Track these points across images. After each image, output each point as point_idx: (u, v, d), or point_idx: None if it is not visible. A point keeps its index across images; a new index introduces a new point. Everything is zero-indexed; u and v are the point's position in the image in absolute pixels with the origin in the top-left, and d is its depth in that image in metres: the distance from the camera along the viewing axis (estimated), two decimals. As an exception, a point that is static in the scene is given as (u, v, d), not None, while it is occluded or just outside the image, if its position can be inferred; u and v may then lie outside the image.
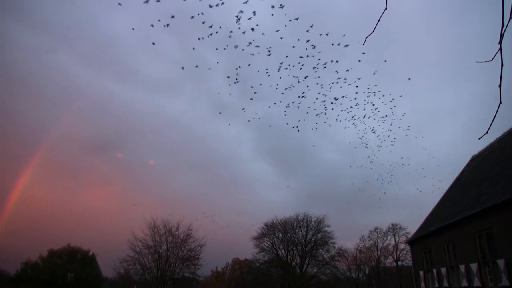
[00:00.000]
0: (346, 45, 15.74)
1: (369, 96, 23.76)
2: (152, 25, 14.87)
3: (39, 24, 69.84)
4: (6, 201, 48.42)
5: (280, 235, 45.45)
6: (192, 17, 14.47)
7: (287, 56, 18.55)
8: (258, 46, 17.33)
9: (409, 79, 18.56)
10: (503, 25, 2.40)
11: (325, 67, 18.59)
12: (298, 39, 17.39)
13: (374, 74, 21.68)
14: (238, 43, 17.17)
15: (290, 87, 21.32)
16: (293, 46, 18.13)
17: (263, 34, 17.08)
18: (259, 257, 45.86)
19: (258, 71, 20.09)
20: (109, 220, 74.58)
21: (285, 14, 15.25)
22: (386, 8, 3.06)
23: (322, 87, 21.21)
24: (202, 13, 14.65)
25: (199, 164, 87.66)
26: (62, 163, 76.83)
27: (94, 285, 43.15)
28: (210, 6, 14.42)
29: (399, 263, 46.03)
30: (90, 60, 75.25)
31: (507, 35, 2.48)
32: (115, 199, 76.76)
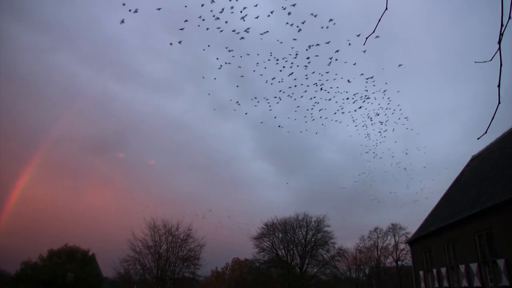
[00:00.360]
0: (349, 44, 15.69)
1: (368, 98, 23.76)
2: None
3: (39, 24, 69.89)
4: (6, 201, 48.47)
5: (280, 235, 45.48)
6: (203, 19, 14.43)
7: (293, 55, 18.50)
8: (261, 42, 17.33)
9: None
10: (502, 25, 2.40)
11: (328, 72, 18.61)
12: (295, 39, 17.41)
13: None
14: (238, 43, 17.19)
15: (290, 87, 21.33)
16: (292, 47, 18.15)
17: (263, 34, 17.10)
18: (259, 257, 45.90)
19: (256, 71, 20.11)
20: (109, 220, 74.64)
21: (289, 13, 15.25)
22: (386, 8, 3.05)
23: (322, 88, 21.22)
24: (203, 14, 14.66)
25: (199, 164, 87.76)
26: (62, 163, 76.92)
27: (94, 285, 43.15)
28: (208, 9, 14.43)
29: (399, 263, 46.05)
30: (90, 60, 75.34)
31: (506, 35, 2.48)
32: (115, 199, 76.81)
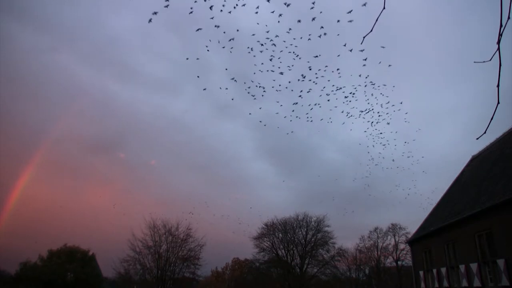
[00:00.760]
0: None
1: (368, 99, 23.76)
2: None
3: (39, 24, 69.92)
4: (6, 201, 48.47)
5: (280, 235, 45.50)
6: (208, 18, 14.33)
7: (294, 55, 18.48)
8: (262, 44, 17.34)
9: (389, 65, 18.33)
10: (501, 25, 2.40)
11: (325, 71, 18.61)
12: (294, 39, 17.40)
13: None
14: (239, 43, 17.19)
15: (291, 87, 21.33)
16: (288, 47, 18.13)
17: (266, 34, 17.09)
18: (259, 257, 45.92)
19: (256, 71, 20.11)
20: (109, 220, 74.62)
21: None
22: (384, 8, 3.06)
23: (322, 89, 21.22)
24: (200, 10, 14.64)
25: (199, 164, 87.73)
26: (62, 163, 76.93)
27: (94, 285, 43.15)
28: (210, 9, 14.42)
29: (399, 263, 46.05)
30: (90, 60, 75.41)
31: (505, 35, 2.48)
32: (115, 199, 76.83)
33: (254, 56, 17.59)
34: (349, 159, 72.83)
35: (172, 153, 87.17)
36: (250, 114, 59.41)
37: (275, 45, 17.35)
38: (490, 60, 2.56)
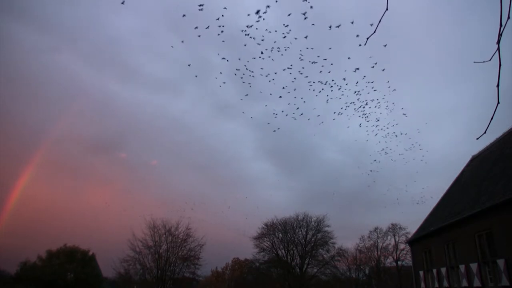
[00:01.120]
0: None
1: (366, 101, 23.76)
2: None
3: (40, 24, 69.93)
4: (6, 201, 48.47)
5: (280, 235, 45.50)
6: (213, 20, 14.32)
7: (295, 55, 18.48)
8: (261, 44, 17.35)
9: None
10: (501, 25, 2.41)
11: (329, 72, 18.61)
12: (295, 38, 17.40)
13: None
14: (240, 43, 17.19)
15: (292, 87, 21.35)
16: (289, 46, 18.14)
17: (264, 36, 17.11)
18: (259, 257, 45.91)
19: (257, 71, 20.11)
20: (109, 220, 74.60)
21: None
22: (387, 9, 3.06)
23: (324, 87, 21.21)
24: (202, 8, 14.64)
25: (200, 164, 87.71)
26: (62, 163, 76.90)
27: (94, 285, 43.16)
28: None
29: (399, 263, 46.06)
30: (91, 60, 75.39)
31: (505, 35, 2.49)
32: (116, 199, 76.83)
33: (255, 56, 17.61)
34: (350, 159, 72.88)
35: (173, 153, 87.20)
36: (251, 117, 59.29)
37: (278, 49, 17.35)
38: (490, 60, 2.56)
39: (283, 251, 44.80)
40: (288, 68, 19.12)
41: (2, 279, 43.38)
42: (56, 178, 74.94)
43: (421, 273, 18.15)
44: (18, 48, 67.63)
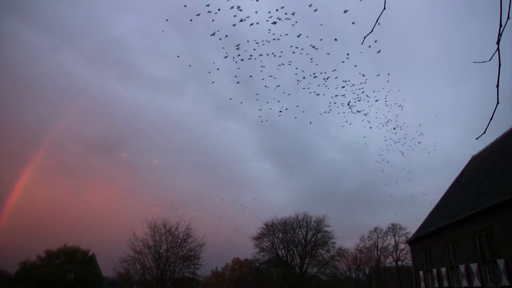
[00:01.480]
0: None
1: (367, 101, 23.73)
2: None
3: (41, 24, 69.95)
4: (6, 201, 48.48)
5: (280, 235, 45.50)
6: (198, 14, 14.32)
7: (296, 55, 18.46)
8: (263, 44, 17.34)
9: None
10: (501, 25, 2.41)
11: (329, 76, 18.61)
12: (299, 36, 17.37)
13: (381, 75, 21.45)
14: (241, 42, 17.16)
15: (292, 88, 21.33)
16: (291, 47, 18.13)
17: (267, 38, 17.10)
18: (259, 257, 45.94)
19: (257, 71, 20.10)
20: (109, 220, 74.60)
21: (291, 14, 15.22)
22: (384, 8, 3.06)
23: (326, 87, 21.19)
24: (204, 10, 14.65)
25: (201, 164, 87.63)
26: (62, 163, 76.90)
27: (94, 284, 43.15)
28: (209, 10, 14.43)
29: (399, 263, 46.07)
30: (92, 60, 75.42)
31: (505, 35, 2.49)
32: (116, 199, 76.80)
33: (258, 55, 17.57)
34: (350, 159, 72.86)
35: (173, 153, 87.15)
36: (251, 118, 58.98)
37: (281, 52, 17.34)
38: (490, 60, 2.56)
39: (283, 251, 44.83)
40: (289, 64, 19.03)
41: (2, 279, 43.39)
42: (56, 178, 75.00)
43: (421, 273, 18.15)
44: (18, 48, 67.67)
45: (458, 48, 78.61)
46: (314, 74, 19.55)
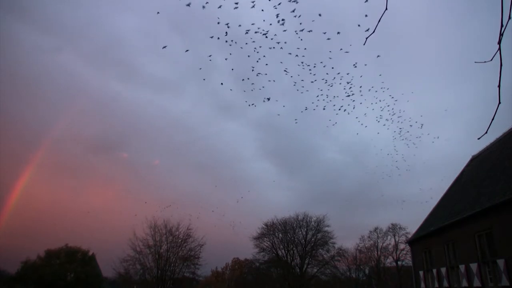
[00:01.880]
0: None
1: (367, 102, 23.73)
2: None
3: (41, 24, 69.95)
4: (6, 201, 48.46)
5: (280, 235, 45.50)
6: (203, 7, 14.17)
7: (297, 55, 18.42)
8: (261, 47, 17.33)
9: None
10: (502, 25, 2.41)
11: (329, 73, 18.59)
12: (299, 36, 17.35)
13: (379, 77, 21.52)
14: (242, 43, 17.14)
15: (293, 88, 21.33)
16: (293, 49, 18.12)
17: (265, 35, 17.07)
18: (259, 257, 45.93)
19: (258, 71, 20.09)
20: (109, 220, 74.55)
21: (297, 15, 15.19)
22: (386, 9, 3.07)
23: (327, 85, 21.16)
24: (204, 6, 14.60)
25: (201, 164, 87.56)
26: (62, 163, 76.86)
27: (94, 284, 43.16)
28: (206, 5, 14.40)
29: (399, 263, 46.06)
30: (92, 60, 75.40)
31: (506, 35, 2.49)
32: (116, 199, 76.78)
33: (258, 56, 17.57)
34: (350, 159, 72.86)
35: (174, 153, 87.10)
36: (251, 117, 58.98)
37: (281, 49, 17.30)
38: (491, 60, 2.57)
39: (283, 251, 44.82)
40: (294, 58, 18.94)
41: (3, 278, 43.39)
42: (56, 178, 74.94)
43: (421, 273, 18.16)
44: (18, 48, 67.65)
45: (458, 48, 78.66)
46: (314, 74, 19.53)
